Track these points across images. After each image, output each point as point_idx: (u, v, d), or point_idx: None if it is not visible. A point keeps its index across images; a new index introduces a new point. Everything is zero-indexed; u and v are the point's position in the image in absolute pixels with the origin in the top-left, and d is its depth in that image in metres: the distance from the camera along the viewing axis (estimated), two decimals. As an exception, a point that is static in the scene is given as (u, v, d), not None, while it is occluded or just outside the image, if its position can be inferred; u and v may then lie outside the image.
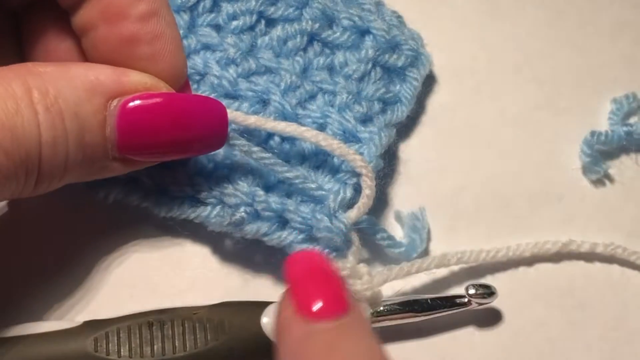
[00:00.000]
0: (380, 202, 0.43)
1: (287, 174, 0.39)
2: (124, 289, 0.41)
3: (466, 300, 0.39)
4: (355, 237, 0.39)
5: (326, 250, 0.39)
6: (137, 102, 0.35)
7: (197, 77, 0.42)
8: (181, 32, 0.41)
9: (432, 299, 0.40)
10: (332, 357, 0.32)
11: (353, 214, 0.39)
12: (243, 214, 0.39)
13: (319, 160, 0.41)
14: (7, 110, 0.31)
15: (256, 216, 0.40)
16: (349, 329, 0.33)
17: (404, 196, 0.44)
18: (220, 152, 0.40)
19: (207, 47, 0.43)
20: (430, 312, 0.39)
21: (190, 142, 0.37)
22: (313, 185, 0.39)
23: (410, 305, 0.39)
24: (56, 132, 0.33)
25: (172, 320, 0.37)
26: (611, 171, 0.45)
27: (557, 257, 0.43)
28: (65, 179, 0.35)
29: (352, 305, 0.33)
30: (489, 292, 0.40)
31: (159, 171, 0.40)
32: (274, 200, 0.39)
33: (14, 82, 0.32)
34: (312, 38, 0.43)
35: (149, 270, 0.42)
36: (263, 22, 0.44)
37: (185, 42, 0.42)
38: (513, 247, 0.42)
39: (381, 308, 0.39)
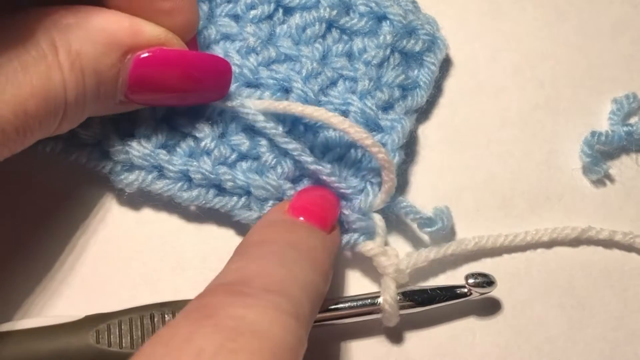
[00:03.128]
0: (400, 184, 0.43)
1: (312, 166, 0.40)
2: (124, 289, 0.41)
3: (466, 290, 0.40)
4: (381, 222, 0.41)
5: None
6: (149, 57, 0.37)
7: None
8: (200, 22, 0.42)
9: (431, 289, 0.40)
10: (288, 233, 0.37)
11: (375, 204, 0.41)
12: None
13: (342, 152, 0.42)
14: (41, 76, 0.33)
15: None
16: (315, 234, 0.37)
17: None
18: (246, 142, 0.41)
19: (226, 37, 0.43)
20: (430, 303, 0.39)
21: (194, 95, 0.39)
22: (342, 185, 0.40)
23: (410, 295, 0.40)
24: (78, 90, 0.35)
25: (173, 312, 0.38)
26: (611, 171, 0.45)
27: (575, 243, 0.43)
28: (79, 123, 0.37)
29: (333, 233, 0.39)
30: (488, 281, 0.40)
31: (184, 161, 0.41)
32: None
33: (42, 41, 0.34)
34: (330, 25, 0.44)
35: (149, 270, 0.42)
36: (281, 10, 0.44)
37: (205, 32, 0.43)
38: (532, 232, 0.42)
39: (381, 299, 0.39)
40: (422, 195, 0.44)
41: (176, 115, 0.42)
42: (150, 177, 0.41)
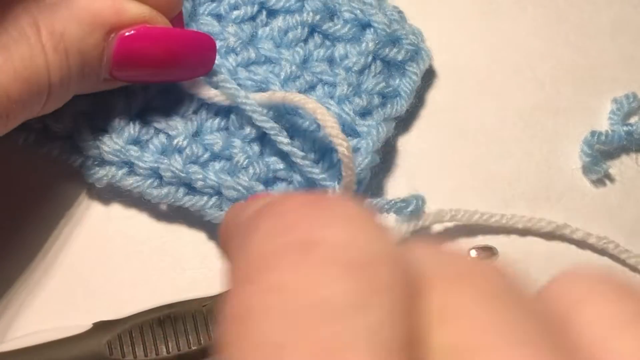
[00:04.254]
0: (377, 196, 0.43)
1: (286, 148, 0.40)
2: (124, 290, 0.41)
3: None
4: None
5: None
6: (134, 35, 0.37)
7: None
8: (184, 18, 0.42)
9: None
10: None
11: None
12: None
13: (318, 157, 0.41)
14: (23, 58, 0.33)
15: None
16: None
17: (399, 192, 0.44)
18: (219, 142, 0.41)
19: None
20: None
21: (178, 72, 0.39)
22: (315, 170, 0.40)
23: None
24: (62, 72, 0.35)
25: (183, 316, 0.37)
26: (611, 171, 0.45)
27: (549, 237, 0.43)
28: (64, 102, 0.37)
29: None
30: (490, 254, 0.40)
31: (155, 158, 0.41)
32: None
33: (24, 22, 0.33)
34: (313, 30, 0.44)
35: (148, 271, 0.42)
36: (264, 12, 0.44)
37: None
38: (507, 216, 0.42)
39: None
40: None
41: (151, 111, 0.42)
42: (120, 172, 0.41)
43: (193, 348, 0.37)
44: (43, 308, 0.40)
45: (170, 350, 0.37)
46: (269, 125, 0.40)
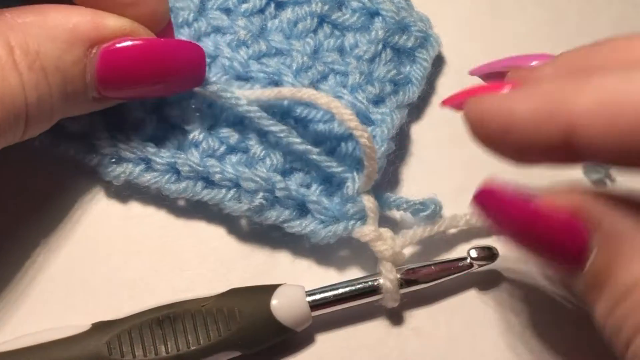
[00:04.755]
0: (391, 184, 0.44)
1: (301, 147, 0.40)
2: (123, 290, 0.41)
3: (468, 262, 0.40)
4: (370, 203, 0.40)
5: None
6: (116, 48, 0.36)
7: (208, 60, 0.42)
8: (191, 15, 0.42)
9: (435, 265, 0.40)
10: None
11: (361, 189, 0.40)
12: (262, 200, 0.40)
13: (332, 145, 0.42)
14: None
15: (274, 202, 0.40)
16: None
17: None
18: (235, 135, 0.41)
19: (217, 30, 0.44)
20: (435, 279, 0.40)
21: (169, 84, 0.38)
22: (332, 164, 0.40)
23: (410, 274, 0.40)
24: (40, 90, 0.34)
25: (182, 316, 0.37)
26: (612, 171, 0.45)
27: None
28: (51, 124, 0.36)
29: None
30: (490, 254, 0.41)
31: (172, 153, 0.41)
32: (295, 188, 0.40)
33: None
34: (322, 20, 0.44)
35: (148, 271, 0.41)
36: (273, 5, 0.44)
37: (195, 25, 0.43)
38: None
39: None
40: (421, 196, 0.44)
41: (165, 107, 0.42)
42: (137, 169, 0.41)
43: (192, 348, 0.37)
44: (42, 308, 0.40)
45: (170, 350, 0.37)
46: (278, 128, 0.40)
